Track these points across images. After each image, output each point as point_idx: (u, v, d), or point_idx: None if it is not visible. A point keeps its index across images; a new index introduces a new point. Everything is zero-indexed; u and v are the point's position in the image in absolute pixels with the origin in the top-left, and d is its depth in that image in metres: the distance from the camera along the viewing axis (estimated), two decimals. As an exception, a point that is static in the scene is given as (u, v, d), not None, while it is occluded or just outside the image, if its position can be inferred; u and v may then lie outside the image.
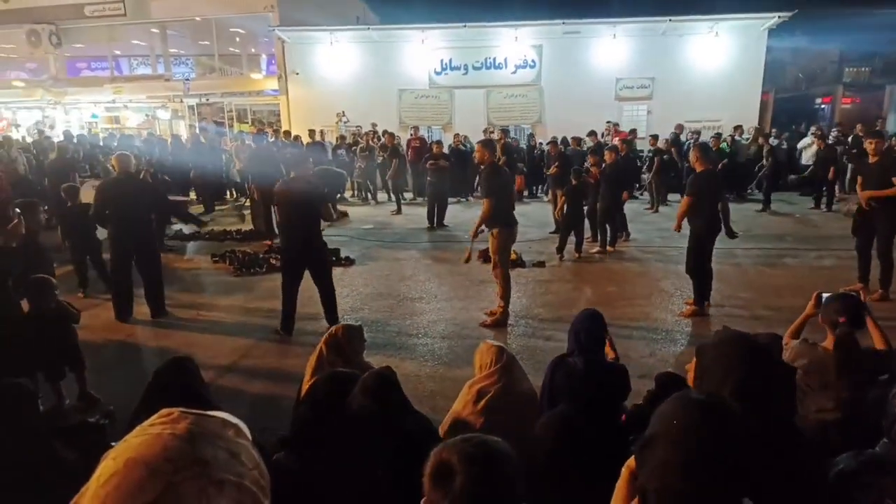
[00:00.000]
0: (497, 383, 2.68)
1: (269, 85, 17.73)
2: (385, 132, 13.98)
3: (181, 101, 18.29)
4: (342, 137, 14.71)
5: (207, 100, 18.40)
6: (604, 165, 8.53)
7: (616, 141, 11.74)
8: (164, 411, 0.71)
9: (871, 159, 6.10)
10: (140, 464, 0.63)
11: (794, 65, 39.35)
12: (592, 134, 12.54)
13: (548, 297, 6.45)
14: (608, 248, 8.42)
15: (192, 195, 12.48)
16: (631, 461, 1.17)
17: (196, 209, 12.38)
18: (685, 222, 5.73)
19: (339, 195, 12.95)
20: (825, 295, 3.04)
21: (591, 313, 2.83)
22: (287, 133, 14.69)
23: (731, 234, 5.89)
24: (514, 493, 1.12)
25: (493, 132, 14.04)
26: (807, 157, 13.30)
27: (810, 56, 40.39)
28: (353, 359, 3.19)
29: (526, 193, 13.86)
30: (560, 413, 2.24)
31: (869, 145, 6.24)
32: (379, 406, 2.23)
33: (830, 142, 12.33)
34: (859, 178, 6.38)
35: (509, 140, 12.97)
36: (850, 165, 11.06)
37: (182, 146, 13.85)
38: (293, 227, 5.24)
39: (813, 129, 14.62)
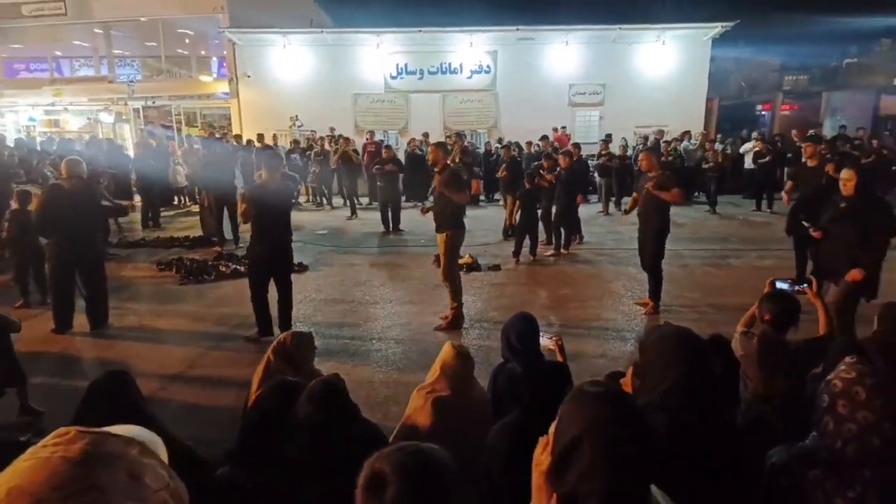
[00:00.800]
0: (449, 387, 2.64)
1: (219, 88, 17.27)
2: (340, 136, 13.84)
3: (126, 104, 17.61)
4: (296, 142, 14.46)
5: (154, 102, 17.78)
6: (559, 170, 8.66)
7: (569, 146, 11.98)
8: (59, 430, 0.65)
9: (810, 163, 6.39)
10: (24, 493, 0.57)
11: (738, 73, 41.15)
12: (545, 139, 12.73)
13: (503, 300, 6.49)
14: (562, 250, 8.55)
15: (137, 200, 12.02)
16: (542, 462, 1.15)
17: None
18: (643, 222, 5.80)
19: (293, 200, 12.77)
20: (778, 282, 3.14)
21: (522, 316, 2.82)
22: (238, 137, 14.35)
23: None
24: (450, 502, 1.09)
25: (449, 136, 14.09)
26: (749, 161, 13.89)
27: (752, 65, 42.32)
28: (303, 367, 3.11)
29: (483, 197, 13.95)
30: (511, 421, 2.23)
31: (805, 149, 6.55)
32: (325, 415, 2.18)
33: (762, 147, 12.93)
34: (789, 182, 6.69)
35: (466, 144, 13.03)
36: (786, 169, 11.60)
37: (119, 150, 13.30)
38: (267, 233, 5.11)
39: (755, 134, 15.30)
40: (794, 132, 12.76)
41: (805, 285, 3.25)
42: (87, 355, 5.14)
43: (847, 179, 4.28)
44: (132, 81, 16.71)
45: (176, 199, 13.67)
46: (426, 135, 14.24)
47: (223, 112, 18.02)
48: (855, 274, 3.93)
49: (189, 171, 11.92)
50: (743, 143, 14.79)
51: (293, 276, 7.26)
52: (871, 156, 12.77)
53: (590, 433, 1.06)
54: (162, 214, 11.84)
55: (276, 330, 5.12)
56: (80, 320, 5.55)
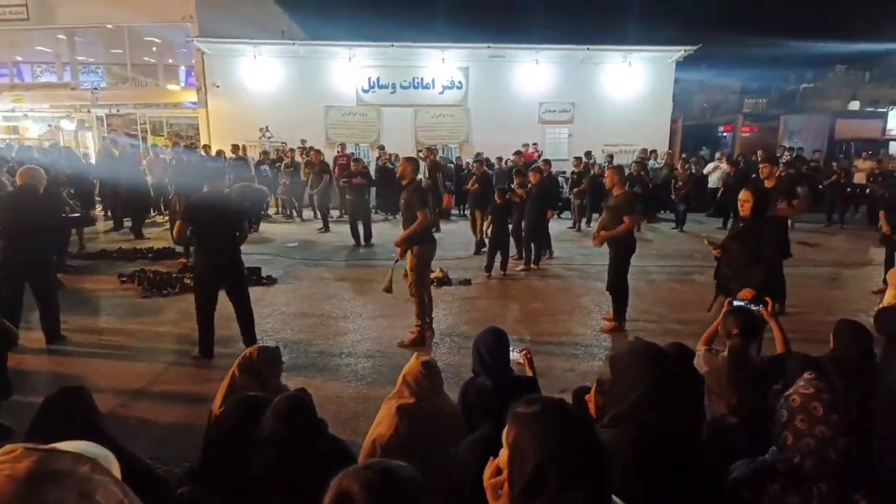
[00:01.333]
0: (412, 396, 2.61)
1: (187, 97, 17.01)
2: (311, 148, 13.74)
3: (89, 112, 17.17)
4: (265, 153, 14.30)
5: (118, 111, 17.38)
6: (529, 185, 8.76)
7: (539, 163, 12.16)
8: (6, 448, 0.62)
9: (768, 184, 6.60)
10: None
11: (701, 95, 42.64)
12: (519, 154, 12.89)
13: (473, 314, 6.50)
14: (532, 265, 8.61)
15: (100, 210, 11.68)
16: (495, 485, 1.18)
17: (106, 225, 11.65)
18: (606, 242, 5.93)
19: (262, 212, 12.60)
20: (735, 302, 3.25)
21: (492, 331, 2.83)
22: (207, 147, 14.12)
23: None
24: None
25: (421, 150, 14.15)
26: (713, 181, 14.32)
27: (714, 88, 43.97)
28: (270, 382, 3.05)
29: (455, 212, 14.01)
30: (482, 436, 2.22)
31: (762, 170, 6.78)
32: (291, 430, 2.13)
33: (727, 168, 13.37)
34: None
35: (438, 159, 13.10)
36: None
37: (76, 157, 12.91)
38: (212, 245, 4.98)
39: (717, 154, 15.80)
40: (759, 153, 13.20)
41: (761, 305, 3.34)
42: (40, 371, 4.93)
43: (744, 200, 4.31)
44: (96, 89, 16.31)
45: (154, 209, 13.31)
46: (395, 155, 14.19)
47: (191, 122, 17.71)
48: (745, 293, 3.98)
49: (154, 180, 11.66)
50: (705, 164, 15.27)
51: (261, 290, 7.22)
52: (832, 176, 13.36)
53: (555, 460, 1.09)
54: (125, 224, 11.53)
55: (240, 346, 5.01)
56: (33, 335, 5.33)
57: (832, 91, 44.46)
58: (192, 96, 16.71)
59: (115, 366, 4.95)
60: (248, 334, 5.14)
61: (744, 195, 4.39)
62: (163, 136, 17.61)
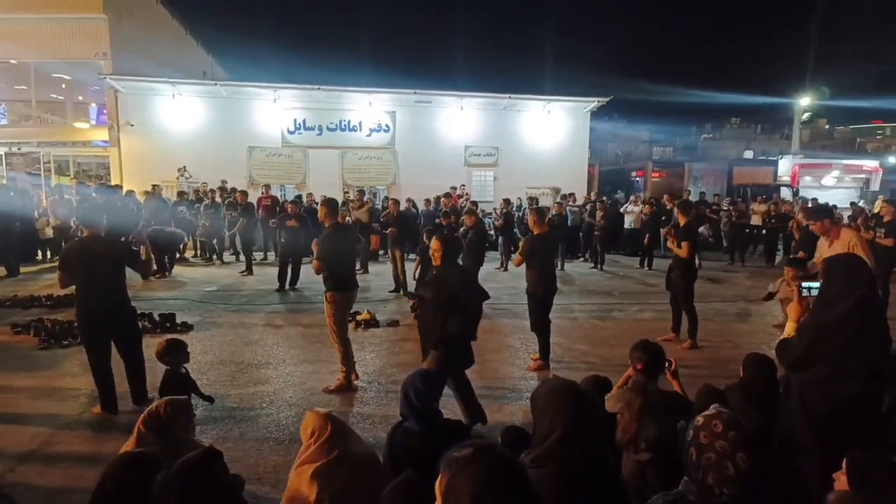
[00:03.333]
0: (327, 456, 2.48)
1: (97, 135, 16.15)
2: (234, 189, 13.34)
3: (-15, 149, 15.91)
4: (182, 193, 13.72)
5: (19, 149, 16.22)
6: (464, 229, 8.89)
7: (469, 204, 12.45)
8: None
9: (681, 222, 7.04)
10: None
11: (615, 143, 45.60)
12: (447, 196, 13.10)
13: (402, 356, 6.39)
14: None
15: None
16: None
17: (-4, 272, 10.67)
18: (528, 282, 6.06)
19: (177, 255, 11.99)
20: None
21: (421, 374, 2.81)
22: (119, 187, 13.36)
23: None
24: None
25: (347, 193, 14.10)
26: (629, 221, 15.15)
27: (626, 137, 47.27)
28: (181, 437, 2.82)
29: (382, 253, 13.93)
30: (405, 480, 2.14)
31: (677, 212, 7.24)
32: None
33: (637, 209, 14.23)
34: (670, 239, 7.35)
35: (366, 200, 13.04)
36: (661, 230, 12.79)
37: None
38: (98, 292, 4.58)
39: (632, 197, 16.81)
40: (665, 196, 14.12)
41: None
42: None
43: (435, 250, 4.37)
44: (-6, 125, 15.20)
45: (39, 252, 12.30)
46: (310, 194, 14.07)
47: (101, 161, 16.79)
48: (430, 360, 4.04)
49: (59, 222, 10.86)
50: (617, 206, 16.21)
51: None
52: (733, 217, 14.57)
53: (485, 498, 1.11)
54: (22, 271, 10.60)
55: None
56: None
57: (728, 141, 48.87)
58: (102, 134, 15.90)
59: (5, 426, 4.43)
60: (138, 391, 4.75)
61: (434, 244, 4.37)
62: (68, 175, 16.57)
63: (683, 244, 6.67)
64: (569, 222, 14.22)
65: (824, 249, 5.49)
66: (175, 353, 4.15)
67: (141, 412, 3.00)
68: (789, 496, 2.37)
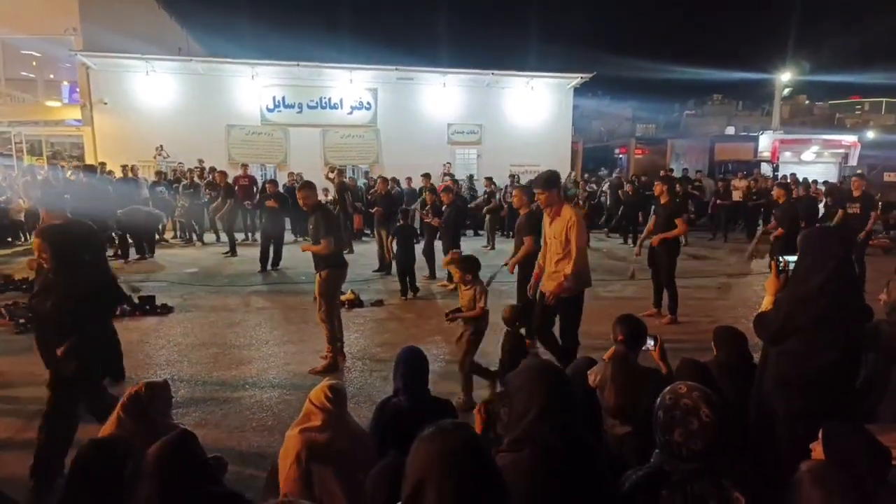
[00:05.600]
0: (325, 427, 2.48)
1: (70, 114, 15.70)
2: (213, 169, 13.11)
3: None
4: (160, 173, 13.44)
5: (-11, 128, 15.74)
6: (443, 207, 8.84)
7: (449, 182, 12.37)
8: None
9: (662, 200, 7.07)
10: None
11: (598, 121, 45.54)
12: (427, 176, 13.00)
13: (385, 335, 6.38)
14: (450, 284, 8.62)
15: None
16: None
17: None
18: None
19: (157, 237, 11.78)
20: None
21: (412, 349, 2.81)
22: (90, 167, 13.02)
23: None
24: None
25: (331, 170, 13.92)
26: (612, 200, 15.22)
27: (610, 115, 47.25)
28: (159, 420, 2.78)
29: (368, 232, 13.83)
30: (388, 464, 2.13)
31: (656, 188, 7.26)
32: (166, 487, 1.84)
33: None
34: (653, 218, 7.38)
35: (345, 180, 12.91)
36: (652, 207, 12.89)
37: None
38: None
39: (616, 172, 16.87)
40: (657, 185, 14.17)
41: (652, 343, 3.35)
42: None
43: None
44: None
45: (11, 235, 12.02)
46: (300, 174, 13.85)
47: (74, 140, 16.36)
48: None
49: (30, 203, 10.60)
50: (600, 183, 16.27)
51: (155, 320, 6.71)
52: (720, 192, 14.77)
53: (431, 476, 1.13)
54: (-5, 254, 10.36)
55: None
56: None
57: (711, 118, 49.06)
58: (75, 113, 15.45)
59: (-24, 414, 4.35)
60: (115, 370, 4.73)
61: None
62: (41, 156, 16.13)
63: (677, 220, 6.70)
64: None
65: (545, 226, 4.91)
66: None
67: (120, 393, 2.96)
68: (765, 467, 2.41)
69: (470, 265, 4.66)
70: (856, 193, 8.78)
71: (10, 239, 11.89)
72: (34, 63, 17.76)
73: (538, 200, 4.81)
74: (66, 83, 17.64)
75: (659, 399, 1.71)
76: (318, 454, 2.40)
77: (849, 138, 22.14)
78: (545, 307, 4.78)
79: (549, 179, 4.67)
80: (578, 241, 4.52)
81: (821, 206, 12.72)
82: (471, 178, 15.59)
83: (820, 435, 1.97)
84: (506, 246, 10.40)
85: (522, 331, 4.66)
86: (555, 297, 4.58)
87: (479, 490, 1.14)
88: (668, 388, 1.72)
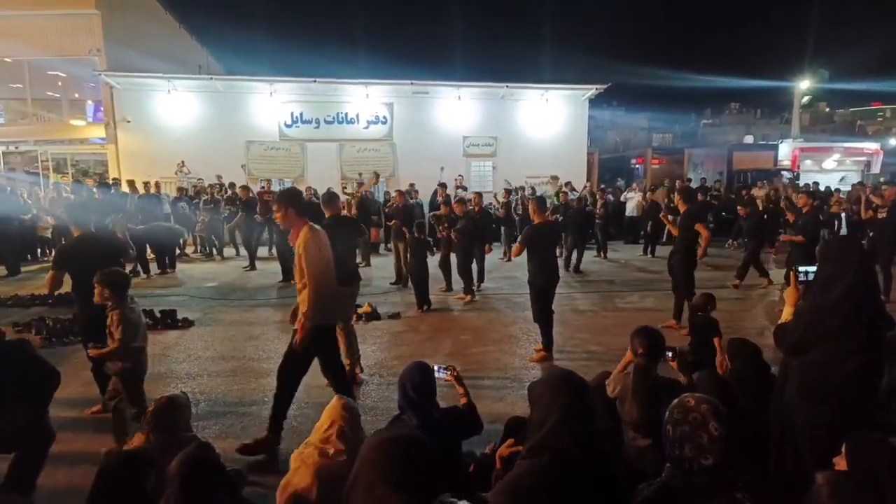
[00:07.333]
0: (340, 445, 2.49)
1: (94, 133, 16.10)
2: (231, 184, 13.34)
3: (-16, 149, 15.89)
4: (182, 189, 13.70)
5: (17, 147, 16.19)
6: (459, 223, 8.89)
7: (472, 195, 12.39)
8: None
9: (681, 209, 7.03)
10: None
11: (614, 131, 45.37)
12: (443, 186, 13.06)
13: (403, 348, 6.40)
14: (466, 296, 8.63)
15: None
16: None
17: (-3, 271, 10.68)
18: (529, 272, 6.05)
19: (178, 251, 11.99)
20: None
21: (418, 366, 2.80)
22: (111, 182, 13.30)
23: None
24: None
25: (345, 186, 14.09)
26: (630, 209, 15.14)
27: (625, 125, 47.07)
28: (180, 433, 2.83)
29: (384, 245, 13.91)
30: None
31: (676, 198, 7.22)
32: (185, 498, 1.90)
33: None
34: (669, 225, 7.33)
35: (365, 193, 13.03)
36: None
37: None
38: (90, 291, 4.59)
39: (634, 184, 16.77)
40: (676, 196, 14.04)
41: (669, 354, 3.22)
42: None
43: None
44: (-9, 125, 15.17)
45: (38, 251, 12.31)
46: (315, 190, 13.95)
47: (98, 158, 16.76)
48: None
49: (55, 221, 10.87)
50: (620, 194, 16.17)
51: (177, 334, 6.81)
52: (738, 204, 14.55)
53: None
54: (22, 269, 10.61)
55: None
56: None
57: (728, 127, 48.61)
58: (99, 132, 15.85)
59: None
60: None
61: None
62: (67, 173, 16.55)
63: (698, 227, 6.66)
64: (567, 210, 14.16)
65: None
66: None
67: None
68: (786, 478, 2.37)
69: None
70: (879, 201, 8.64)
71: (37, 256, 12.17)
72: (59, 83, 18.27)
73: (276, 219, 4.24)
74: (90, 102, 18.13)
75: (667, 413, 1.69)
76: (333, 484, 2.39)
77: (871, 146, 21.80)
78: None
79: (283, 195, 4.14)
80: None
81: (843, 215, 12.51)
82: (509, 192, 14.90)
83: (843, 448, 1.94)
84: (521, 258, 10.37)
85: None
86: None
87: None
88: (676, 401, 1.69)
